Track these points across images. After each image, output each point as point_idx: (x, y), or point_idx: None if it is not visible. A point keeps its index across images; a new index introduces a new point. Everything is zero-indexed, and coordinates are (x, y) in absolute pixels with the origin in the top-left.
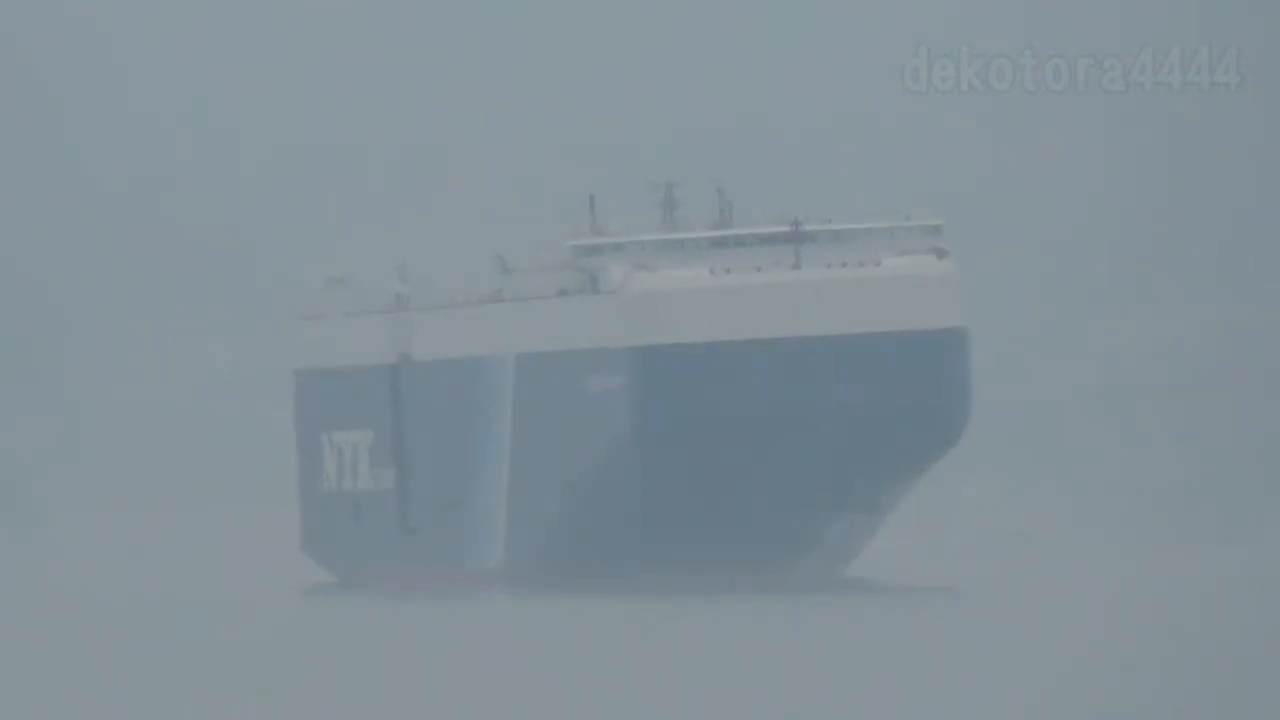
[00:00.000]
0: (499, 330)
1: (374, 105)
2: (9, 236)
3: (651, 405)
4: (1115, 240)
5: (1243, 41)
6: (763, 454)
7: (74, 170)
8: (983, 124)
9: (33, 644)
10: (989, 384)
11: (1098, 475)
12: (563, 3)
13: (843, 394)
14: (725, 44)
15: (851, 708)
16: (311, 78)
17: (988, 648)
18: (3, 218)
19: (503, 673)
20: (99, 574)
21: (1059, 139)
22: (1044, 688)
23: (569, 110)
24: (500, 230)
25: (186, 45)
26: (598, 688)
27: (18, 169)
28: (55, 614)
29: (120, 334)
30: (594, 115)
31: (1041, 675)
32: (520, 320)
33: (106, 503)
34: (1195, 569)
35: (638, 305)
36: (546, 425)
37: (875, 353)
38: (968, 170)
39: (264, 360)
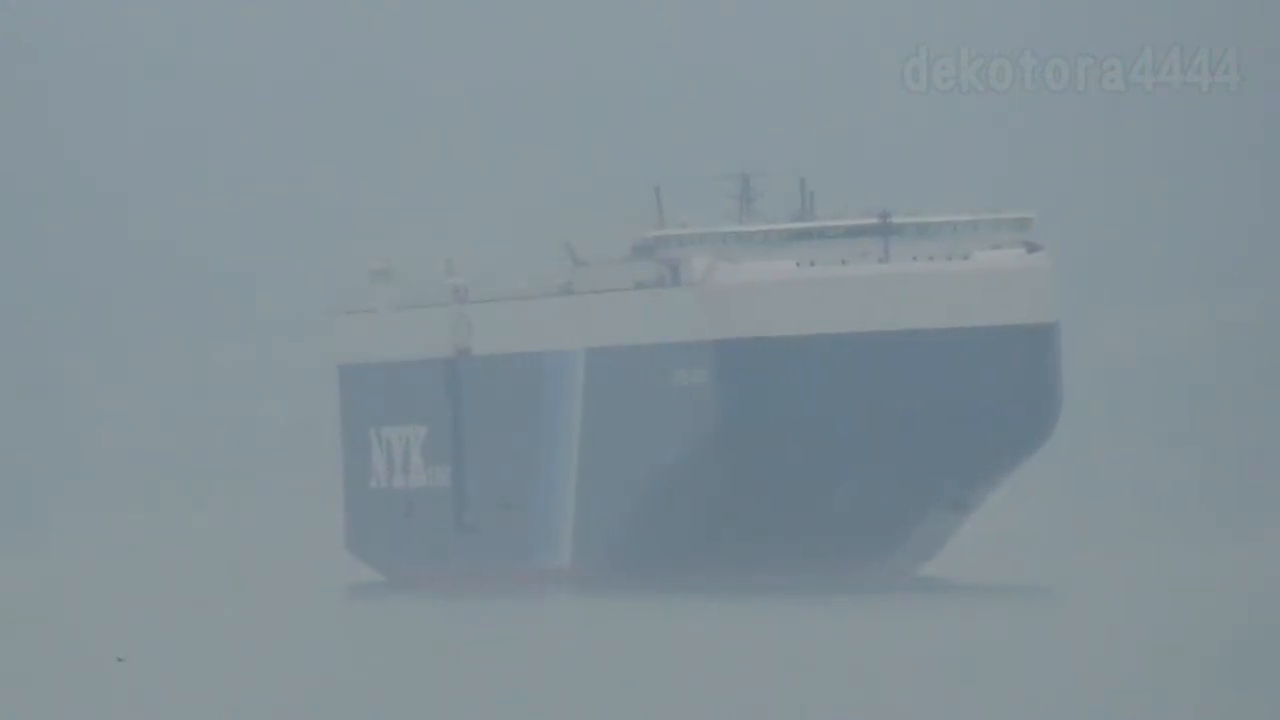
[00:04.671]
0: (569, 323)
1: (430, 95)
2: (42, 233)
3: (738, 399)
4: (1115, 240)
5: (1243, 41)
6: (850, 450)
7: (94, 168)
8: (982, 125)
9: (68, 646)
10: None
11: (1099, 475)
12: None
13: (932, 389)
14: (746, 37)
15: (933, 706)
16: (365, 67)
17: (986, 646)
18: (32, 213)
19: (570, 675)
20: (122, 575)
21: (1058, 139)
22: (1045, 686)
23: (631, 104)
24: (567, 223)
25: (218, 33)
26: (670, 690)
27: (37, 162)
28: (91, 615)
29: (152, 331)
30: (661, 109)
31: (1041, 674)
32: (594, 313)
33: (127, 502)
34: (1196, 569)
35: (722, 298)
36: (623, 421)
37: (965, 347)
38: (969, 171)
39: (307, 355)
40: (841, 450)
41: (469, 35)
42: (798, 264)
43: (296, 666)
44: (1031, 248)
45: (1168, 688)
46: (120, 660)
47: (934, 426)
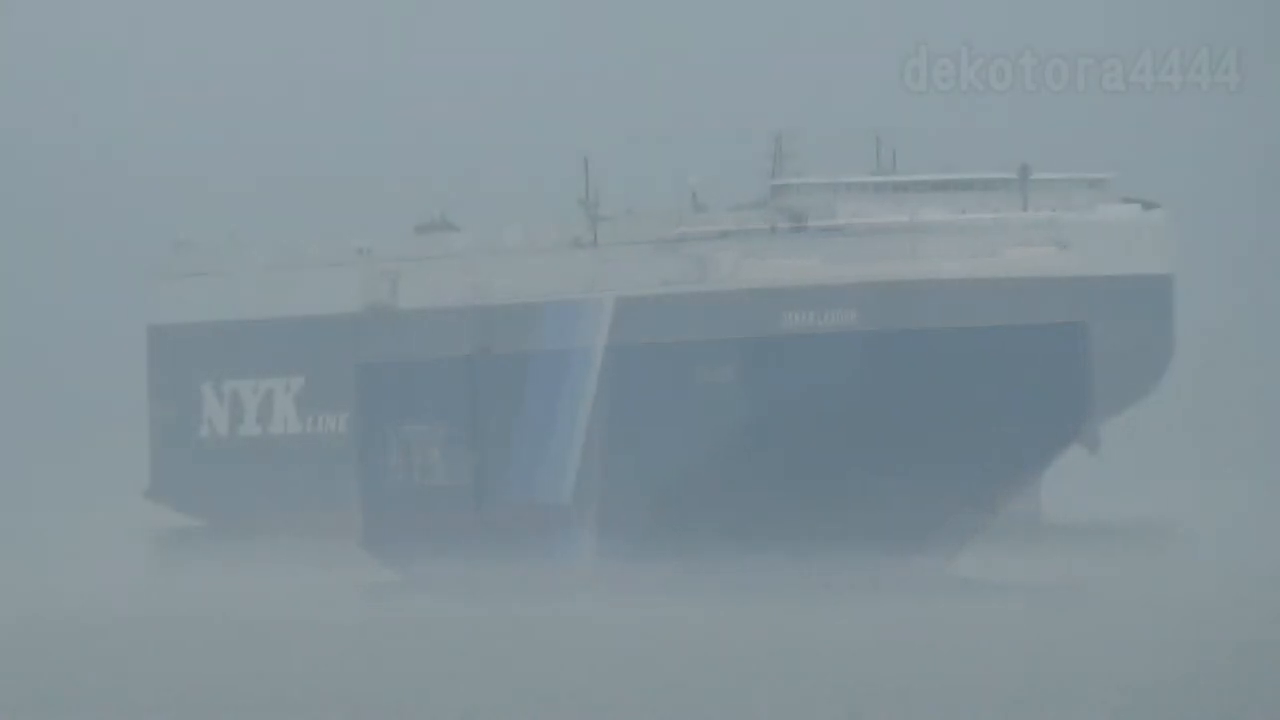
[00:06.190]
0: (591, 321)
1: (447, 92)
2: (47, 231)
3: (763, 398)
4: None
5: (1243, 41)
6: (877, 449)
7: (95, 163)
8: (980, 124)
9: (72, 646)
10: None
11: (1096, 473)
12: None
13: (960, 388)
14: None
15: (940, 705)
16: (378, 62)
17: (989, 645)
18: (33, 210)
19: (592, 676)
20: (127, 575)
21: (1058, 139)
22: (1041, 686)
23: (635, 102)
24: (590, 220)
25: (223, 28)
26: (695, 691)
27: (35, 159)
28: (97, 616)
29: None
30: (662, 106)
31: (1037, 673)
32: (617, 310)
33: (132, 502)
34: (1196, 569)
35: (749, 295)
36: (646, 419)
37: (992, 346)
38: (971, 168)
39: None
40: (868, 449)
41: (485, 28)
42: (824, 262)
43: (310, 666)
44: (1061, 246)
45: (1168, 687)
46: None
47: (963, 425)
